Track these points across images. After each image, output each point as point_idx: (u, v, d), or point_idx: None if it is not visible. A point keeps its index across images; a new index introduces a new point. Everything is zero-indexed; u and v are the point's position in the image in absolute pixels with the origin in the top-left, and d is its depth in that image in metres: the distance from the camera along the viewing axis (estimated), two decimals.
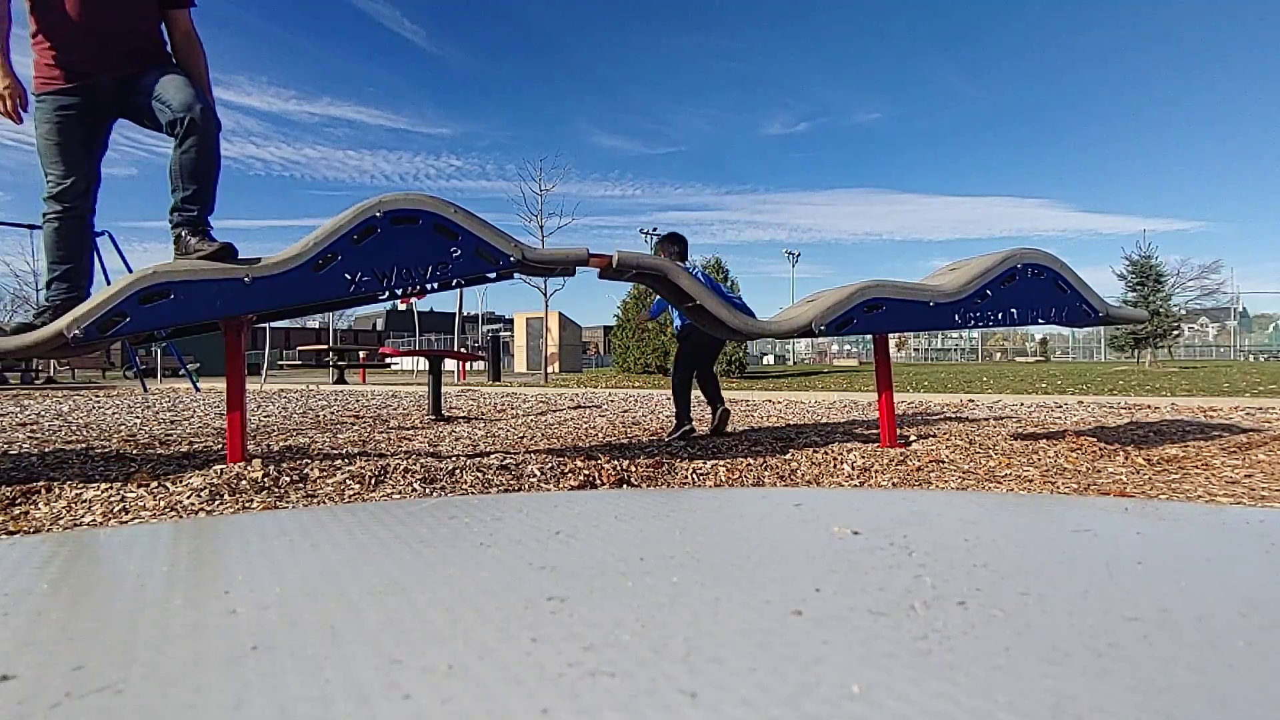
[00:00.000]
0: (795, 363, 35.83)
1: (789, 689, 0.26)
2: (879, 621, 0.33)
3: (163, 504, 2.02)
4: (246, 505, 2.04)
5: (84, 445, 3.35)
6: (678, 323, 3.89)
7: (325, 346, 13.78)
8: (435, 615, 0.35)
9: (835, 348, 44.75)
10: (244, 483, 2.18)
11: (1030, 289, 2.80)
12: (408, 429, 4.26)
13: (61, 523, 1.88)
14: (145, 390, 9.49)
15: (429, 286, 2.51)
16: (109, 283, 2.36)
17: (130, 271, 2.27)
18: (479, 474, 2.44)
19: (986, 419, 4.61)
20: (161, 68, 2.46)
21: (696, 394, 4.10)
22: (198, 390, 9.20)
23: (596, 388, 10.41)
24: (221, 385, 4.30)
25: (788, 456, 2.98)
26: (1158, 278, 16.74)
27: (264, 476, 2.23)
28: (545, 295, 15.25)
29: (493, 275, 2.59)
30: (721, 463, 2.89)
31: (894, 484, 2.52)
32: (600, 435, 3.89)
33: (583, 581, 0.40)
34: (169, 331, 2.70)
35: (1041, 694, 0.26)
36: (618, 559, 0.45)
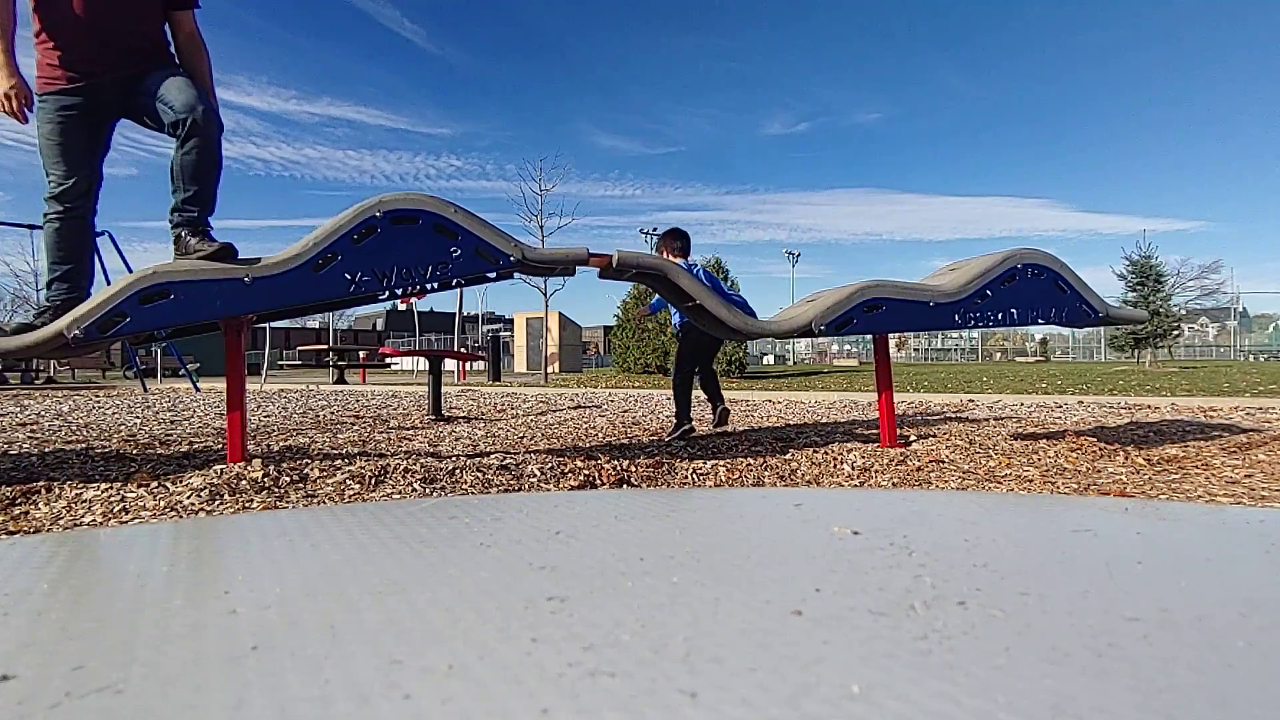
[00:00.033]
0: (795, 363, 35.82)
1: (789, 689, 0.26)
2: (879, 621, 0.33)
3: (163, 504, 2.02)
4: (246, 505, 2.04)
5: (84, 445, 3.35)
6: (676, 321, 3.89)
7: (325, 346, 13.78)
8: (435, 615, 0.35)
9: (835, 348, 44.75)
10: (244, 483, 2.18)
11: (1030, 289, 2.80)
12: (408, 429, 4.26)
13: (61, 523, 1.88)
14: (145, 390, 9.49)
15: (429, 286, 2.51)
16: (109, 283, 2.35)
17: (130, 271, 2.27)
18: (479, 474, 2.44)
19: (986, 419, 4.61)
20: (165, 68, 2.46)
21: (697, 393, 4.10)
22: (198, 390, 9.20)
23: (596, 388, 10.41)
24: (221, 385, 4.30)
25: (788, 456, 2.98)
26: (1158, 278, 16.74)
27: (264, 476, 2.23)
28: (545, 295, 15.26)
29: (493, 275, 2.59)
30: (721, 463, 2.89)
31: (894, 484, 2.52)
32: (600, 435, 3.89)
33: (583, 581, 0.40)
34: (169, 331, 2.70)
35: (1041, 694, 0.26)
36: (618, 559, 0.45)
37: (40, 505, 2.00)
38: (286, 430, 4.14)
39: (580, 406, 6.29)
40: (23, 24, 2.35)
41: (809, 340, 25.59)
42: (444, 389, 8.36)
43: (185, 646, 0.32)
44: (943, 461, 2.78)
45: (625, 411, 5.60)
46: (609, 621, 0.34)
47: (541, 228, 15.24)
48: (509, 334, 25.39)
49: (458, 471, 2.44)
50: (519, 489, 2.37)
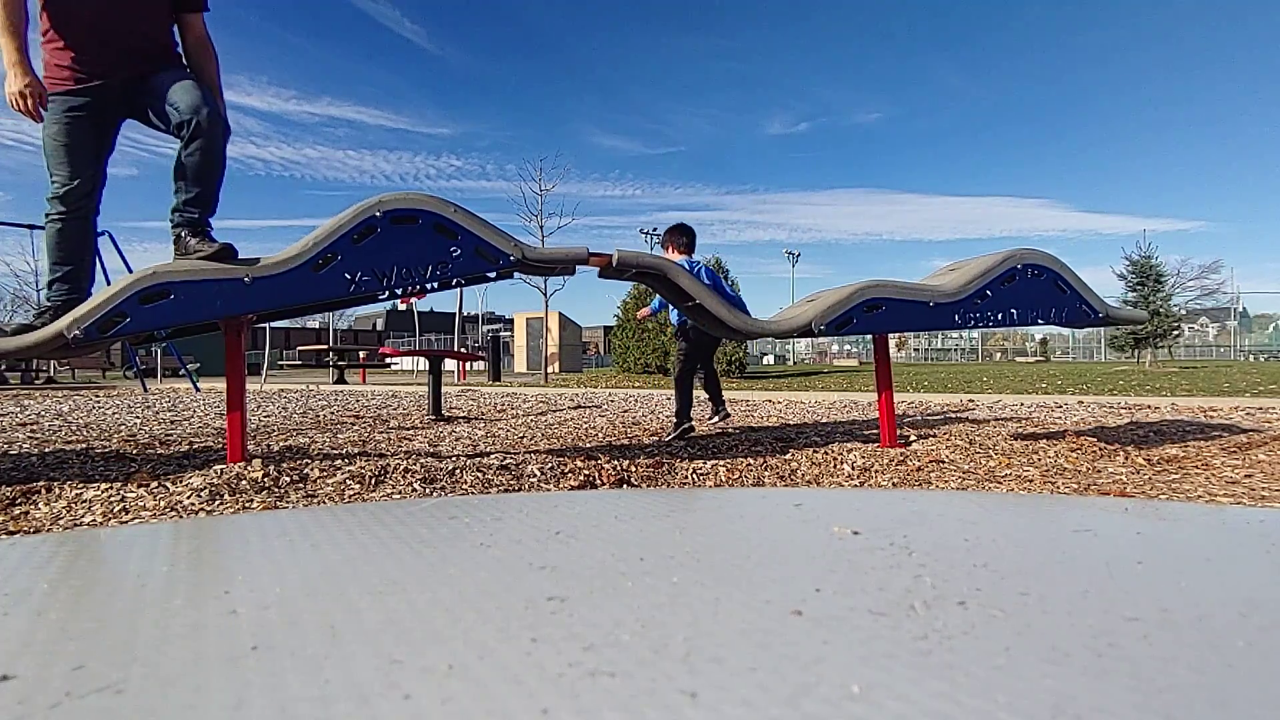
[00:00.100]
0: (795, 363, 35.82)
1: (789, 689, 0.26)
2: (879, 621, 0.33)
3: (163, 504, 2.02)
4: (246, 505, 2.04)
5: (84, 445, 3.35)
6: (675, 319, 3.89)
7: (325, 346, 13.78)
8: (435, 615, 0.35)
9: (835, 348, 44.76)
10: (244, 483, 2.18)
11: (1030, 289, 2.80)
12: (408, 429, 4.26)
13: (61, 523, 1.88)
14: (145, 390, 9.49)
15: (429, 286, 2.51)
16: (109, 283, 2.35)
17: (130, 271, 2.27)
18: (479, 474, 2.44)
19: (987, 419, 4.61)
20: (172, 70, 2.45)
21: (698, 393, 4.10)
22: (198, 390, 9.21)
23: (596, 388, 10.41)
24: (221, 385, 4.30)
25: (788, 456, 2.98)
26: (1158, 278, 16.73)
27: (264, 476, 2.23)
28: (545, 295, 15.26)
29: (493, 275, 2.59)
30: (721, 463, 2.89)
31: (894, 484, 2.52)
32: (600, 435, 3.89)
33: (583, 581, 0.40)
34: (169, 331, 2.70)
35: (1041, 694, 0.26)
36: (618, 559, 0.45)
37: (40, 505, 2.00)
38: (286, 430, 4.14)
39: (580, 406, 6.29)
40: (30, 25, 2.35)
41: (809, 340, 25.59)
42: (444, 389, 8.36)
43: (185, 646, 0.32)
44: (943, 461, 2.78)
45: (625, 411, 5.60)
46: (609, 621, 0.34)
47: (541, 228, 15.26)
48: (509, 334, 25.40)
49: (458, 471, 2.44)
50: (519, 489, 2.37)
